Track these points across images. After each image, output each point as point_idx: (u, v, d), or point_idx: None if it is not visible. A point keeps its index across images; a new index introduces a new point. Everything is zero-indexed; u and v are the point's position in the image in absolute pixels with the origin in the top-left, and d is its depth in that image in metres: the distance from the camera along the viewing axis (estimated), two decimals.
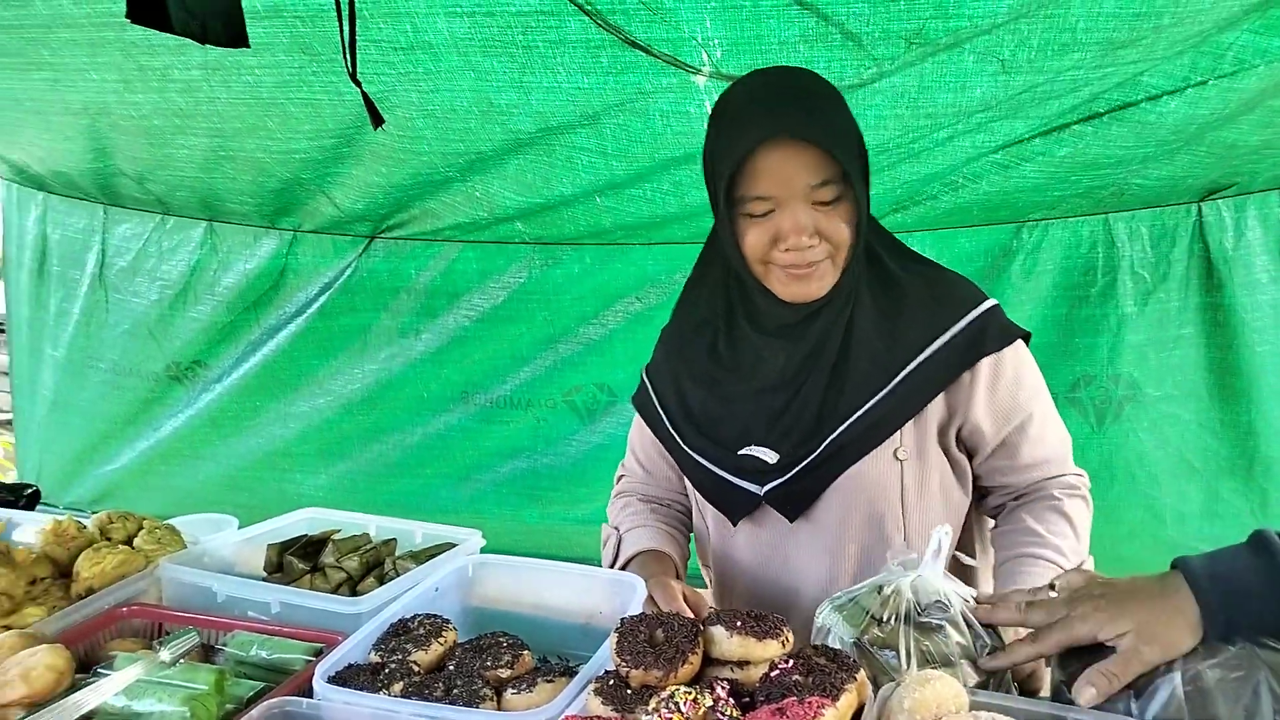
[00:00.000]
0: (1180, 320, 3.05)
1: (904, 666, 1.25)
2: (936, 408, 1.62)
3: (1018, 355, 1.63)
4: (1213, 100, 2.43)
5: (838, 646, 1.30)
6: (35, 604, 1.53)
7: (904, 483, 1.63)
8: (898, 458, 1.61)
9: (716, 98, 2.52)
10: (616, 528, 1.88)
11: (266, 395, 3.78)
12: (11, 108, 3.11)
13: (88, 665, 1.41)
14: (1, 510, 1.94)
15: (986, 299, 1.65)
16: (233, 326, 3.76)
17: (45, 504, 3.91)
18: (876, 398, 1.59)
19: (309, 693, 1.30)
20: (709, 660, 1.31)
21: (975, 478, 1.71)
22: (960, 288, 1.67)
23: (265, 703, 1.26)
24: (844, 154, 1.50)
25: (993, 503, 1.74)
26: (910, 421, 1.61)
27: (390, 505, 3.60)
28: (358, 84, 2.48)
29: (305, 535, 1.84)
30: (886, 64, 2.32)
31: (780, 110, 1.52)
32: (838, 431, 1.60)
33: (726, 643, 1.28)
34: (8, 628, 1.45)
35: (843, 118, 1.56)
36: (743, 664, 1.28)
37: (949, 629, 1.27)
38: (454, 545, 1.80)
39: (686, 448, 1.75)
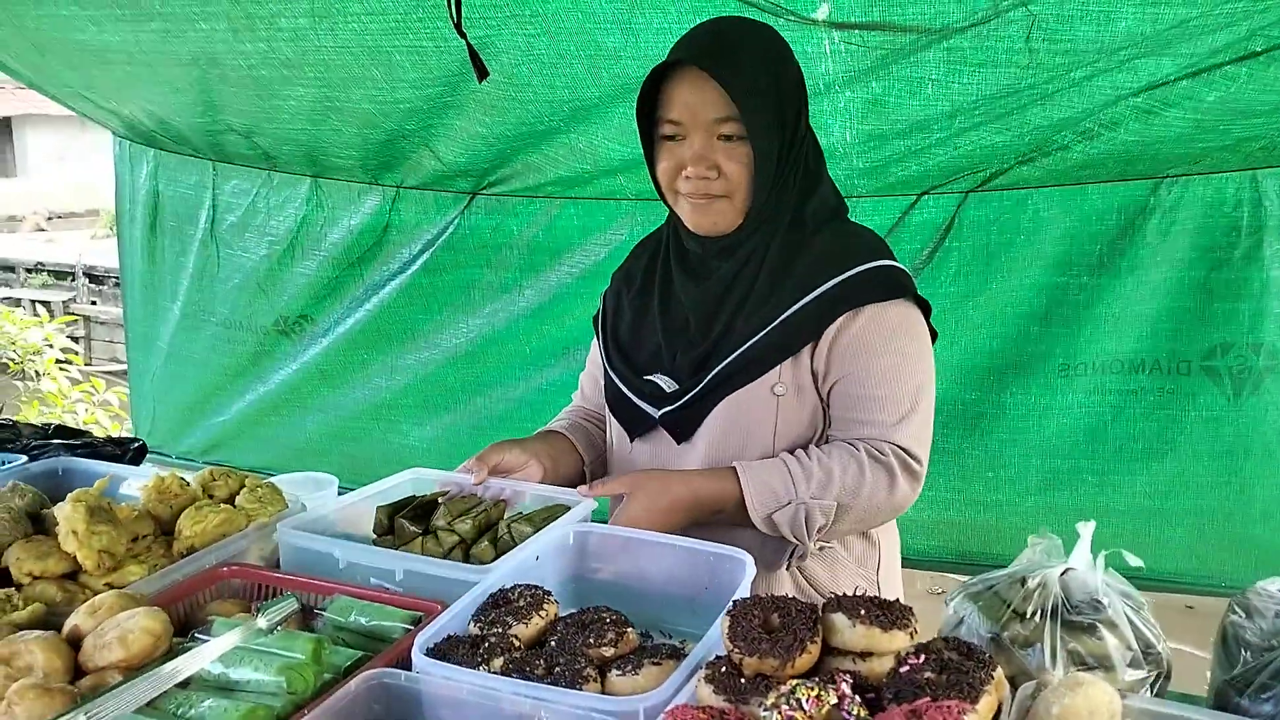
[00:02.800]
0: None
1: (1049, 668, 1.14)
2: (809, 350, 1.74)
3: (882, 312, 1.72)
4: None
5: (972, 640, 1.19)
6: (137, 562, 1.53)
7: (778, 415, 1.75)
8: (774, 393, 1.74)
9: (837, 37, 2.40)
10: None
11: (372, 349, 3.81)
12: (123, 61, 3.14)
13: (187, 626, 1.40)
14: (106, 465, 1.95)
15: (882, 259, 1.75)
16: (338, 282, 3.78)
17: (158, 453, 4.05)
18: (757, 337, 1.74)
19: (407, 663, 1.26)
20: (828, 649, 1.22)
21: None
22: (861, 245, 1.78)
23: (363, 674, 1.22)
24: (745, 100, 1.62)
25: None
26: (789, 360, 1.73)
27: None
28: (463, 35, 2.41)
29: (413, 496, 1.81)
30: None
31: (699, 43, 1.68)
32: (721, 365, 1.75)
33: (849, 632, 1.18)
34: (110, 585, 1.45)
35: (761, 71, 1.67)
36: (866, 656, 1.18)
37: (1103, 630, 1.14)
38: (567, 509, 1.74)
39: (608, 365, 1.94)
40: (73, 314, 12.46)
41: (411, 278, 3.65)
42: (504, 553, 1.60)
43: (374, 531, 1.76)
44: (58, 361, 7.47)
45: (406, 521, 1.72)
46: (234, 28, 2.76)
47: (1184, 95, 2.46)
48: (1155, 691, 1.21)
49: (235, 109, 3.30)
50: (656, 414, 1.84)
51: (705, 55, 1.64)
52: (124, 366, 4.69)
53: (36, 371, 7.29)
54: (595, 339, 2.07)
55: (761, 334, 1.74)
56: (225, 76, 3.06)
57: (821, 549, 1.82)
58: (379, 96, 2.95)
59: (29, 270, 16.17)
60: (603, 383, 1.99)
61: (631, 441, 1.90)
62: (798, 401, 1.76)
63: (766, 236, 1.76)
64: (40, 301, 13.52)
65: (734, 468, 1.71)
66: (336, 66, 2.84)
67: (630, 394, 1.88)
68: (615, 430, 1.97)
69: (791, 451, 1.74)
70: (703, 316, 1.80)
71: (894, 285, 1.74)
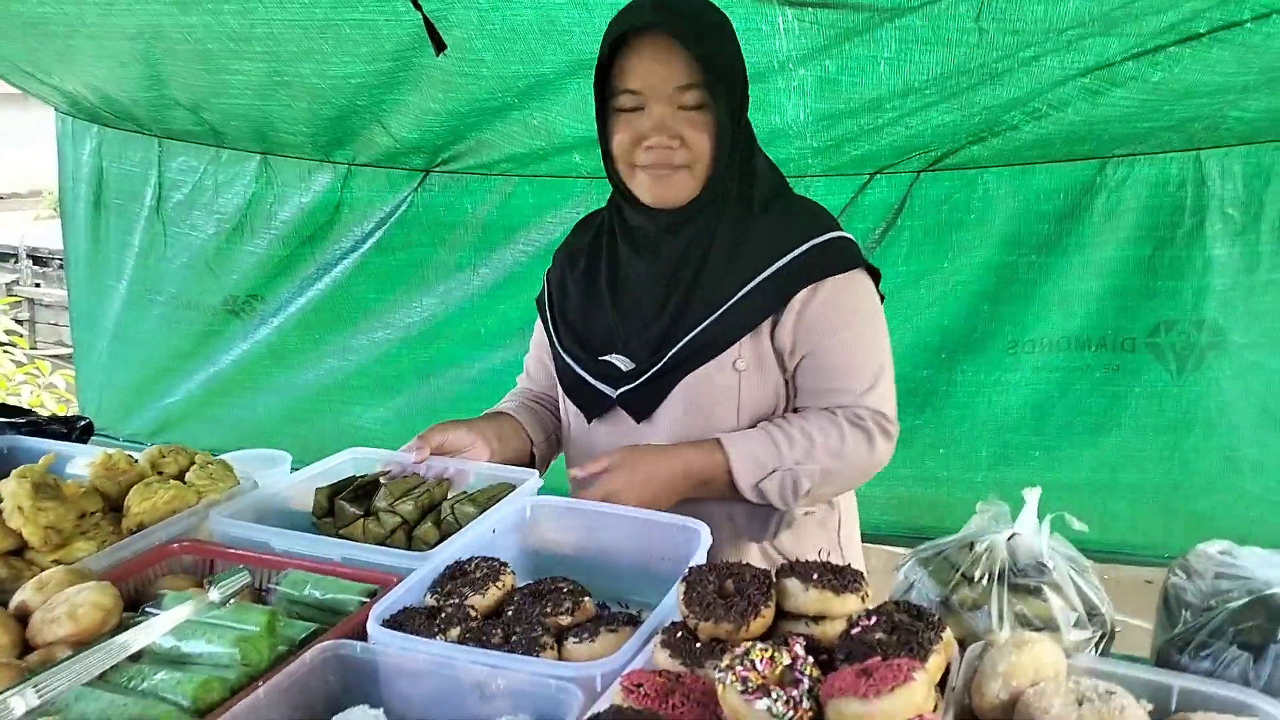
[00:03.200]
0: (1272, 264, 2.87)
1: (996, 629, 1.17)
2: (768, 325, 1.75)
3: (841, 285, 1.75)
4: None
5: (922, 605, 1.21)
6: (85, 538, 1.50)
7: (740, 391, 1.75)
8: (736, 368, 1.74)
9: (790, 15, 2.40)
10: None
11: (324, 329, 3.76)
12: (65, 34, 3.06)
13: (137, 602, 1.38)
14: (53, 443, 1.91)
15: (831, 231, 1.77)
16: (289, 260, 3.73)
17: (105, 435, 3.97)
18: (715, 315, 1.73)
19: (363, 635, 1.25)
20: (781, 614, 1.23)
21: None
22: (810, 219, 1.79)
23: (318, 645, 1.22)
24: (708, 61, 1.62)
25: None
26: (749, 336, 1.73)
27: None
28: (418, 8, 2.38)
29: (354, 477, 1.77)
30: None
31: (661, 10, 1.64)
32: (681, 343, 1.74)
33: (802, 596, 1.20)
34: (58, 562, 1.42)
35: (719, 36, 1.68)
36: (818, 619, 1.20)
37: (1048, 592, 1.17)
38: (512, 487, 1.73)
39: (559, 347, 1.92)
40: (15, 296, 12.14)
41: (364, 256, 3.61)
42: (448, 534, 1.58)
43: (313, 514, 1.72)
44: (0, 345, 7.28)
45: (347, 503, 1.68)
46: (179, 0, 2.70)
47: (1130, 75, 2.51)
48: (1100, 651, 1.24)
49: (181, 83, 3.22)
50: (614, 394, 1.82)
51: (670, 21, 1.63)
52: (69, 350, 4.60)
53: None
54: (540, 320, 2.05)
55: (720, 310, 1.74)
56: (171, 50, 2.99)
57: (807, 515, 1.84)
58: (329, 71, 2.91)
59: None
60: (552, 365, 1.98)
61: (590, 423, 1.89)
62: (759, 376, 1.76)
63: (716, 212, 1.76)
64: None
65: (717, 440, 1.72)
66: (285, 40, 2.78)
67: (586, 375, 1.87)
68: (571, 411, 1.95)
69: (770, 420, 1.76)
70: (656, 295, 1.80)
71: (849, 256, 1.77)
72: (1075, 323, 3.03)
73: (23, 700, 1.02)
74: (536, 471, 1.78)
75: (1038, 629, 1.17)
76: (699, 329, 1.74)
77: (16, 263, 15.16)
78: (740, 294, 1.73)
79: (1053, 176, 2.98)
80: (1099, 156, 2.92)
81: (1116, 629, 1.28)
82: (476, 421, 1.93)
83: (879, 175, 3.08)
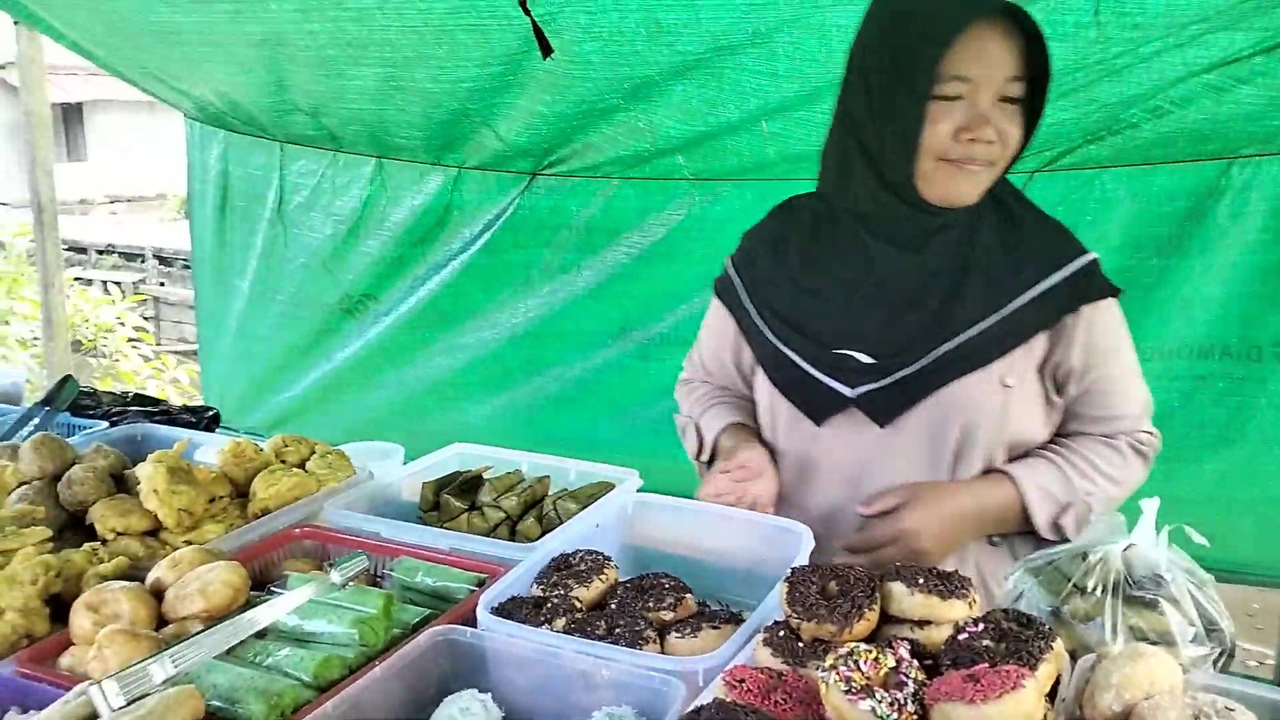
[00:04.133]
0: None
1: (1109, 641, 1.14)
2: (1041, 342, 1.62)
3: (1113, 310, 1.66)
4: None
5: (1031, 614, 1.19)
6: (214, 521, 1.59)
7: (1006, 409, 1.62)
8: (1005, 384, 1.61)
9: None
10: (690, 415, 1.92)
11: (434, 328, 3.85)
12: (195, 42, 3.22)
13: (261, 583, 1.45)
14: (183, 431, 2.02)
15: (1087, 251, 1.66)
16: (401, 261, 3.83)
17: (227, 428, 4.15)
18: (991, 319, 1.59)
19: (473, 622, 1.29)
20: (886, 618, 1.23)
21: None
22: (1069, 233, 1.69)
23: (431, 629, 1.26)
24: (1036, 55, 1.52)
25: None
26: (1020, 350, 1.60)
27: (550, 438, 3.63)
28: (527, 12, 2.44)
29: (458, 472, 1.83)
30: None
31: None
32: (950, 345, 1.59)
33: (907, 600, 1.19)
34: (189, 543, 1.50)
35: (1039, 30, 1.54)
36: (923, 624, 1.19)
37: (1166, 606, 1.14)
38: (612, 486, 1.76)
39: (774, 338, 1.73)
40: (142, 295, 12.79)
41: (472, 257, 3.68)
42: (549, 530, 1.62)
43: (420, 507, 1.78)
44: (129, 340, 7.69)
45: (452, 497, 1.74)
46: (302, 8, 2.81)
47: (1258, 71, 2.40)
48: (1219, 669, 1.20)
49: (302, 89, 3.36)
50: (852, 393, 1.64)
51: (1014, 10, 1.50)
52: (192, 346, 4.82)
53: (108, 349, 7.51)
54: (720, 312, 1.88)
55: (996, 317, 1.59)
56: (293, 57, 3.12)
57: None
58: (442, 76, 2.98)
59: (100, 252, 16.58)
60: (742, 361, 1.84)
61: (819, 426, 1.69)
62: (1025, 396, 1.63)
63: (976, 211, 1.62)
64: (112, 282, 13.90)
65: (1002, 472, 1.62)
66: (401, 45, 2.87)
67: (814, 370, 1.68)
68: (784, 415, 1.75)
69: (1046, 448, 1.67)
70: (915, 288, 1.63)
71: (1107, 279, 1.67)
72: (1197, 330, 2.90)
73: (161, 669, 1.09)
74: (635, 472, 1.80)
75: (1153, 643, 1.13)
76: (971, 333, 1.59)
77: (143, 263, 15.96)
78: (1016, 303, 1.59)
79: (1174, 177, 2.86)
80: (1224, 156, 2.80)
81: (1237, 647, 1.23)
82: (757, 442, 1.77)
83: None
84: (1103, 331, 1.64)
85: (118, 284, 13.16)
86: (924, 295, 1.63)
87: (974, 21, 1.49)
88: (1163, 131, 2.68)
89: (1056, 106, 2.62)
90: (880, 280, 1.65)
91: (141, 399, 2.36)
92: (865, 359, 1.63)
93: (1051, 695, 1.10)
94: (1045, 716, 1.03)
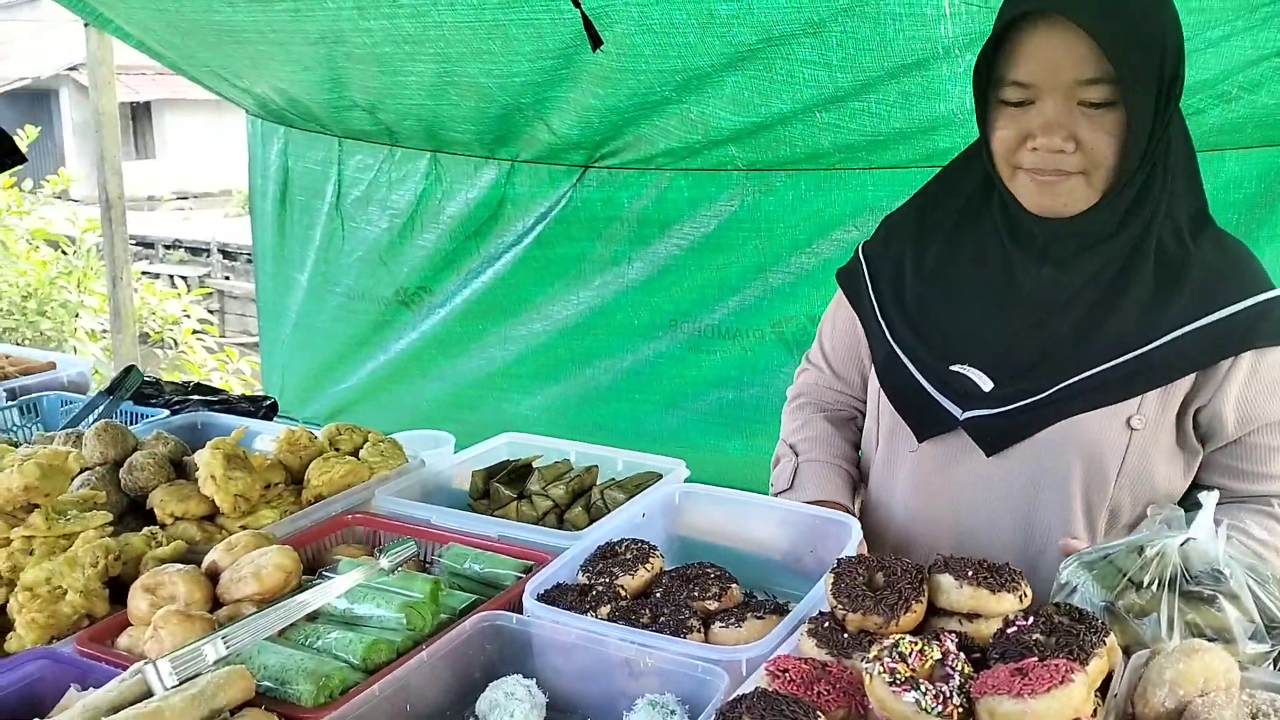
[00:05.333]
0: None
1: (1165, 637, 1.11)
2: (1185, 383, 1.46)
3: None
4: None
5: (1084, 608, 1.16)
6: (270, 506, 1.62)
7: (1128, 452, 1.47)
8: (1131, 425, 1.46)
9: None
10: (793, 448, 1.78)
11: (487, 320, 3.89)
12: (257, 40, 3.28)
13: (314, 567, 1.48)
14: (241, 419, 2.06)
15: (1274, 288, 1.46)
16: (455, 254, 3.88)
17: (286, 417, 4.23)
18: (1127, 356, 1.44)
19: (519, 608, 1.31)
20: (933, 610, 1.21)
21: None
22: (1249, 267, 1.49)
23: (477, 615, 1.28)
24: (1121, 51, 1.33)
25: None
26: (1157, 392, 1.45)
27: (600, 428, 3.65)
28: (578, 5, 2.45)
29: (507, 461, 1.85)
30: None
31: None
32: (1076, 379, 1.46)
33: (955, 592, 1.18)
34: (245, 528, 1.54)
35: (1142, 18, 1.39)
36: (972, 617, 1.18)
37: (1224, 601, 1.11)
38: (659, 476, 1.76)
39: (893, 341, 1.62)
40: (207, 288, 13.10)
41: (525, 250, 3.71)
42: (596, 519, 1.64)
43: (470, 495, 1.81)
44: (194, 332, 7.88)
45: (502, 486, 1.76)
46: (359, 5, 2.86)
47: None
48: (1278, 666, 1.16)
49: (360, 85, 3.41)
50: (961, 415, 1.53)
51: (1074, 3, 1.34)
52: (255, 339, 4.92)
53: (175, 340, 7.71)
54: (844, 303, 1.76)
55: (1132, 354, 1.44)
56: (350, 54, 3.17)
57: None
58: (495, 70, 3.01)
59: (167, 247, 17.03)
60: (871, 363, 1.71)
61: (920, 442, 1.59)
62: (1153, 440, 1.48)
63: (1138, 232, 1.45)
64: (179, 276, 14.26)
65: None
66: (455, 41, 2.90)
67: (929, 386, 1.56)
68: (886, 428, 1.66)
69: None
70: (1049, 313, 1.50)
71: None
72: None
73: (213, 649, 1.12)
74: (683, 462, 1.80)
75: (1210, 639, 1.11)
76: (1101, 368, 1.45)
77: (208, 257, 16.34)
78: (1161, 340, 1.43)
79: (1244, 163, 2.77)
80: None
81: None
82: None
83: None
84: (1269, 382, 1.45)
85: (184, 278, 13.51)
86: (1059, 317, 1.49)
87: (1020, 23, 1.37)
88: (1231, 117, 2.60)
89: None
90: (1014, 293, 1.52)
91: (202, 388, 2.42)
92: (983, 382, 1.51)
93: (1103, 691, 1.08)
94: (1095, 712, 1.01)
